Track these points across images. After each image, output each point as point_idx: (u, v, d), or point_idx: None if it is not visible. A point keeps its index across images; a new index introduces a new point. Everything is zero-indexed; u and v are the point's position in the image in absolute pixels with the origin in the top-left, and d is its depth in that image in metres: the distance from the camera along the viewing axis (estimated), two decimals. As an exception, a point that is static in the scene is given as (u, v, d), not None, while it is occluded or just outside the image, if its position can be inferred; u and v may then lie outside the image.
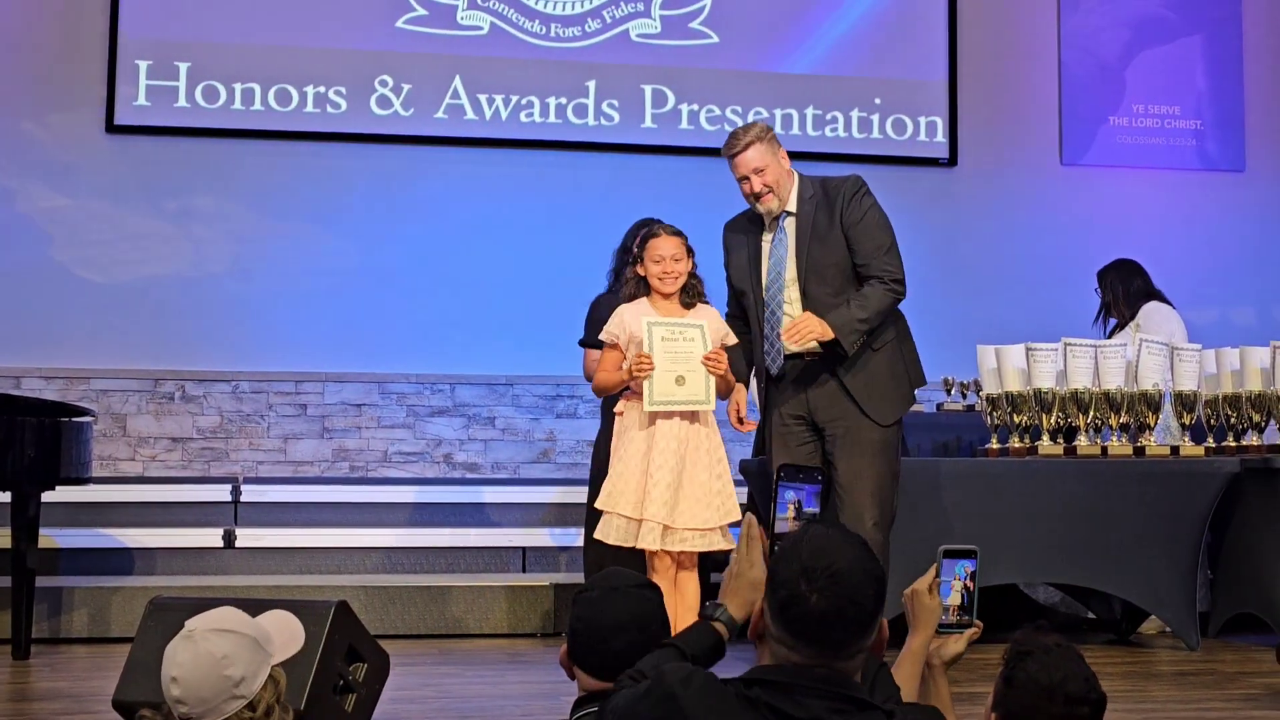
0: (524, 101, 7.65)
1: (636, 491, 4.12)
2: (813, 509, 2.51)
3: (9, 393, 6.14)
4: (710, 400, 4.18)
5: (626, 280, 4.38)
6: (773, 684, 1.95)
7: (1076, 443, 5.18)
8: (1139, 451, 5.15)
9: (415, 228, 7.58)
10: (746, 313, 4.41)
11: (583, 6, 7.72)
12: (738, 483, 4.53)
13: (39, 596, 4.99)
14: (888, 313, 4.28)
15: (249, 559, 6.00)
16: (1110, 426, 5.18)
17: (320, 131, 7.52)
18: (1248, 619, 5.27)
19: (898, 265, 4.28)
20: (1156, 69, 8.40)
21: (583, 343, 5.15)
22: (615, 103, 7.72)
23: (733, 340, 4.32)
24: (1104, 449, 5.15)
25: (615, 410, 4.33)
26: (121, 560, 5.88)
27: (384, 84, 7.49)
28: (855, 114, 7.96)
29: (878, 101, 7.97)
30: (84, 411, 5.12)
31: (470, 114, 7.60)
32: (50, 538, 5.45)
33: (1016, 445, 5.18)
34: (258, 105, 7.43)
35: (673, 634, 2.39)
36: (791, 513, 2.47)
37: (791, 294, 4.29)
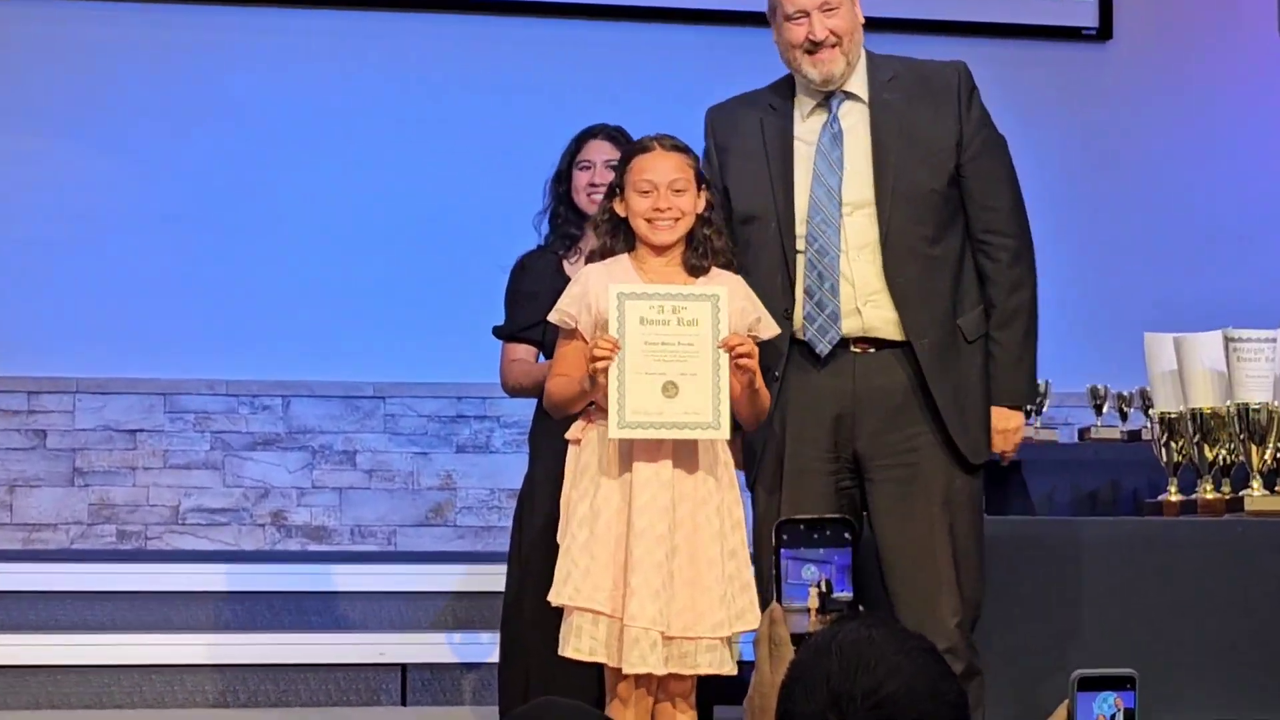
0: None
1: (614, 571, 3.56)
2: (846, 592, 2.17)
3: None
4: (722, 424, 3.52)
5: (594, 223, 3.81)
6: None
7: (1311, 492, 4.64)
8: None
9: (220, 143, 6.48)
10: (748, 256, 3.81)
11: None
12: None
13: None
14: None
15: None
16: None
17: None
18: None
19: (1028, 231, 3.89)
20: None
21: (498, 331, 4.35)
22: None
23: (772, 330, 3.57)
24: (1356, 502, 4.52)
25: (569, 437, 3.73)
26: None
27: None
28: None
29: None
30: None
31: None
32: None
33: (1210, 496, 4.40)
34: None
35: None
36: (813, 601, 2.14)
37: (859, 225, 3.68)
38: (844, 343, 3.58)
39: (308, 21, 6.66)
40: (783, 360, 3.65)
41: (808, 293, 3.63)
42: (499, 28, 6.84)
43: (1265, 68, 7.33)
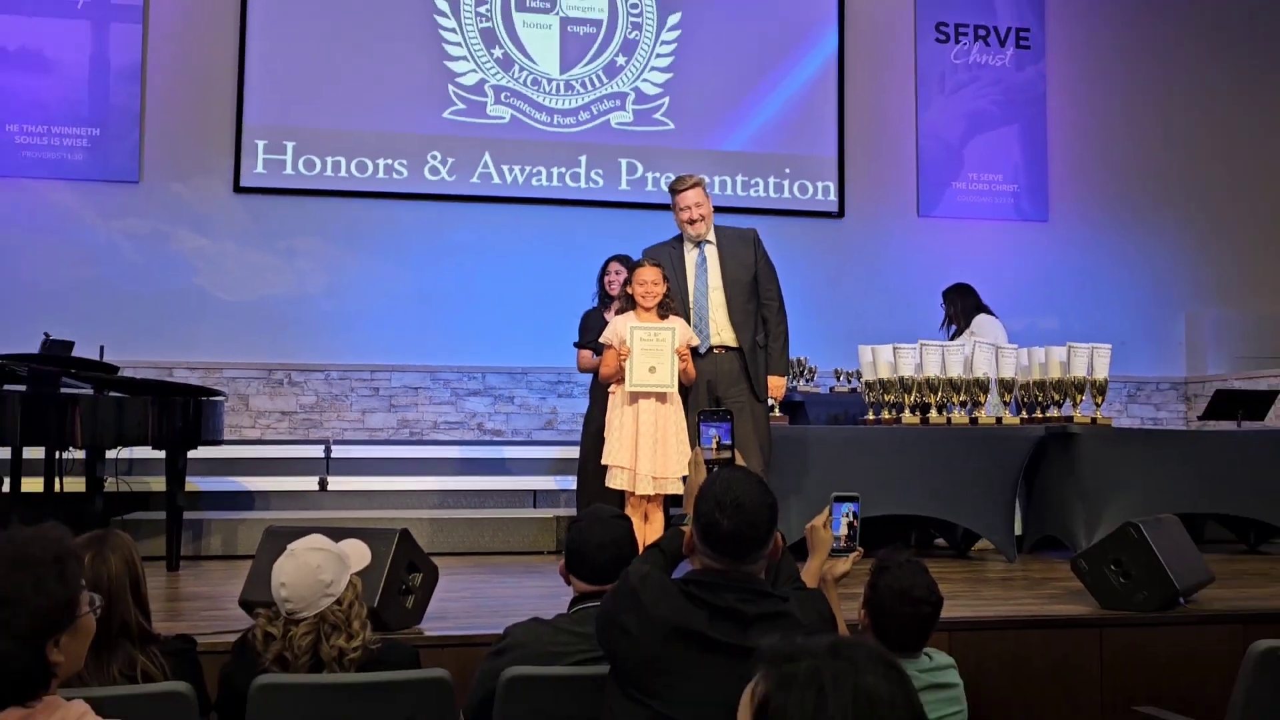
0: (535, 170, 8.28)
1: (630, 450, 4.26)
2: (728, 443, 2.57)
3: (164, 379, 6.64)
4: (673, 385, 4.31)
5: (619, 297, 4.56)
6: (700, 583, 2.05)
7: (929, 415, 5.36)
8: (973, 421, 5.40)
9: (457, 260, 8.07)
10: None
11: (577, 102, 8.42)
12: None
13: (185, 526, 5.19)
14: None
15: (337, 499, 6.26)
16: (953, 403, 5.37)
17: (388, 192, 8.11)
18: (1050, 540, 5.57)
19: (783, 303, 4.69)
20: (985, 147, 9.19)
21: (577, 344, 5.34)
22: (600, 172, 8.37)
23: (695, 342, 4.49)
24: (949, 420, 5.35)
25: (609, 390, 4.46)
26: (245, 500, 6.25)
27: (434, 158, 8.18)
28: (771, 179, 8.58)
29: (787, 170, 8.63)
30: (217, 393, 5.35)
31: (496, 179, 8.27)
32: (193, 484, 5.79)
33: (886, 417, 5.40)
34: (344, 173, 8.07)
35: (639, 551, 2.44)
36: (715, 444, 2.53)
37: (717, 298, 4.55)
38: (711, 348, 4.52)
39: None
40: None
41: (697, 327, 4.49)
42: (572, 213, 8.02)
43: (911, 232, 8.41)
